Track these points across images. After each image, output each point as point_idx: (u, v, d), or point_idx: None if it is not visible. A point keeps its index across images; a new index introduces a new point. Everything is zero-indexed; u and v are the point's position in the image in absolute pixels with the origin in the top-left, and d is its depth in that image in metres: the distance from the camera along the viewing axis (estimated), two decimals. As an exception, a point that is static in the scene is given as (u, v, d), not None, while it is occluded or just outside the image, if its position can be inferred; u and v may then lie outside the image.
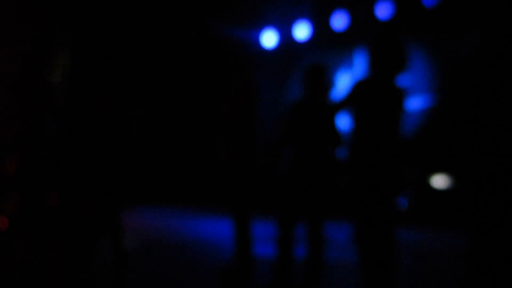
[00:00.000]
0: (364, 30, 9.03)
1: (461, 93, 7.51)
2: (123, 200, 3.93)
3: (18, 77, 4.87)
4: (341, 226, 4.93)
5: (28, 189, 4.79)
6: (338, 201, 4.20)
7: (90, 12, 9.16)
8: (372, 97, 3.39)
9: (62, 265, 4.49)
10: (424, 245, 6.54)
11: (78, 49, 8.97)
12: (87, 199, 3.94)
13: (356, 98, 3.44)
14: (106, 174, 3.82)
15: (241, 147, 4.17)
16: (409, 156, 6.68)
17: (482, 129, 3.27)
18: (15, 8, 8.11)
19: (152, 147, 10.81)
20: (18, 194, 4.82)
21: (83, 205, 3.92)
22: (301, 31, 10.02)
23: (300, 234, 3.95)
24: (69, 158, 6.51)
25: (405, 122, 3.46)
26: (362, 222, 3.36)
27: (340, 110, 3.60)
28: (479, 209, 3.16)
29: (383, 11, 8.74)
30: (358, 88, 3.42)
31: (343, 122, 3.87)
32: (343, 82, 9.40)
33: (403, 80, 3.49)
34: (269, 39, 10.58)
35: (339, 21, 9.43)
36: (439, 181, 7.96)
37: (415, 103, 8.20)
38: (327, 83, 4.10)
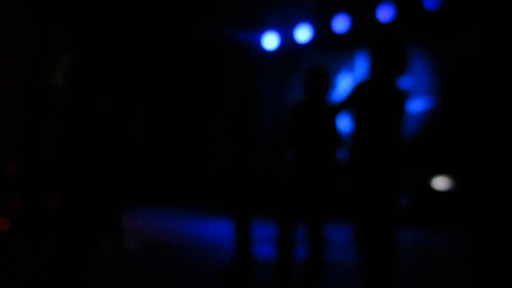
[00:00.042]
0: (366, 32, 9.03)
1: (462, 95, 7.52)
2: (123, 201, 3.93)
3: (19, 79, 4.88)
4: (341, 227, 4.93)
5: (29, 190, 4.80)
6: (338, 202, 4.20)
7: (91, 13, 9.17)
8: (373, 99, 3.39)
9: (62, 266, 4.49)
10: (424, 246, 6.53)
11: (80, 50, 8.98)
12: (87, 200, 3.94)
13: (357, 100, 3.44)
14: (106, 175, 3.83)
15: (242, 149, 4.17)
16: (410, 158, 6.67)
17: (483, 131, 3.27)
18: (16, 9, 8.12)
19: (153, 148, 10.82)
20: (18, 195, 4.83)
21: (84, 206, 3.92)
22: (303, 33, 10.03)
23: (301, 235, 3.95)
24: (69, 159, 6.51)
25: (406, 124, 3.46)
26: (363, 223, 3.36)
27: (341, 111, 3.61)
28: (480, 210, 3.16)
29: (384, 14, 8.74)
30: (359, 90, 3.42)
31: (344, 123, 3.87)
32: (344, 84, 9.40)
33: (404, 82, 3.50)
34: (270, 41, 10.59)
35: (340, 23, 9.43)
36: (440, 182, 7.95)
37: (416, 105, 8.21)
38: (328, 85, 4.10)
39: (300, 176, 3.97)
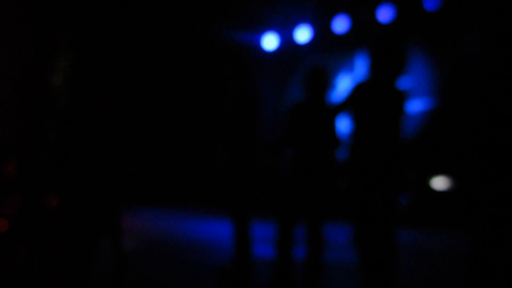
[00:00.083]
0: (365, 33, 9.04)
1: (462, 96, 7.52)
2: (122, 201, 3.93)
3: (19, 79, 4.87)
4: (341, 227, 4.93)
5: (28, 191, 4.79)
6: (338, 202, 4.20)
7: (92, 14, 9.17)
8: (372, 99, 3.40)
9: (62, 266, 4.49)
10: (424, 247, 6.53)
11: (80, 50, 8.97)
12: (87, 201, 3.94)
13: (356, 100, 3.44)
14: (106, 175, 3.82)
15: (241, 149, 4.17)
16: (410, 158, 6.68)
17: (482, 131, 3.28)
18: (16, 9, 8.13)
19: (152, 149, 10.82)
20: (18, 196, 4.82)
21: (83, 206, 3.91)
22: (302, 34, 10.03)
23: (300, 235, 3.95)
24: (69, 159, 6.51)
25: (406, 124, 3.46)
26: (362, 223, 3.36)
27: (340, 112, 3.61)
28: (480, 210, 3.17)
29: (384, 14, 8.74)
30: (358, 90, 3.43)
31: (344, 124, 3.87)
32: (344, 85, 9.41)
33: (404, 82, 3.50)
34: (270, 41, 10.59)
35: (340, 23, 9.44)
36: (439, 182, 7.96)
37: (415, 106, 8.21)
38: (328, 85, 4.10)
39: (299, 176, 3.97)
